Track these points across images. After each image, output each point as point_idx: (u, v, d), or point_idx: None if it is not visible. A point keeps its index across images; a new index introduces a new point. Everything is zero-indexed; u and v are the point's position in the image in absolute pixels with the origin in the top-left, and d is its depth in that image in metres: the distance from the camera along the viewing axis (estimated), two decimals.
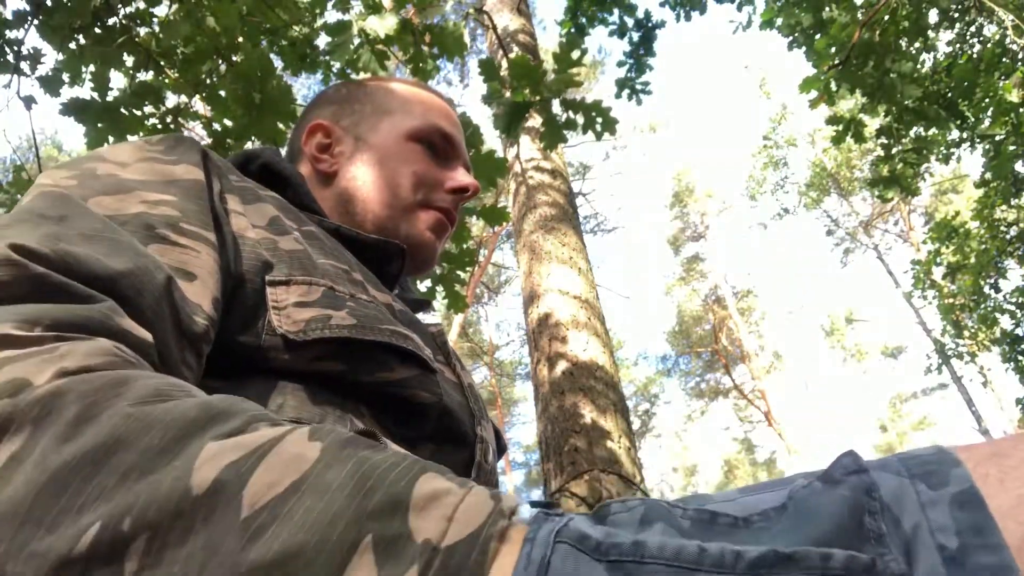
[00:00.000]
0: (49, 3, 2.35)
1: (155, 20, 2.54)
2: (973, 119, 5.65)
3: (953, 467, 0.28)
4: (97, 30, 2.48)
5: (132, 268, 0.43)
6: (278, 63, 2.69)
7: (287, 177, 0.74)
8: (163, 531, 0.27)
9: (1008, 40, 5.22)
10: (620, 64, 5.25)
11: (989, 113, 5.60)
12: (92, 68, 2.42)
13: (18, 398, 0.32)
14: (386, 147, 0.78)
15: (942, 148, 6.05)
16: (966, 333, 9.85)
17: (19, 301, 0.37)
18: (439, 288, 2.77)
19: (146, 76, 2.55)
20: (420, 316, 0.73)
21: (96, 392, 0.32)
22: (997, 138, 5.84)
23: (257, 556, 0.26)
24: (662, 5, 5.64)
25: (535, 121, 3.41)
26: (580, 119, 2.51)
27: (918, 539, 0.26)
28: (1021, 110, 5.44)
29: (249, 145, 2.60)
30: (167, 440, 0.30)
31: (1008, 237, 7.88)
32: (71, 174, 0.52)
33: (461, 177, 0.80)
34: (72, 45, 2.47)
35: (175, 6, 2.49)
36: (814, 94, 4.42)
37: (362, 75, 2.62)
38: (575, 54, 2.38)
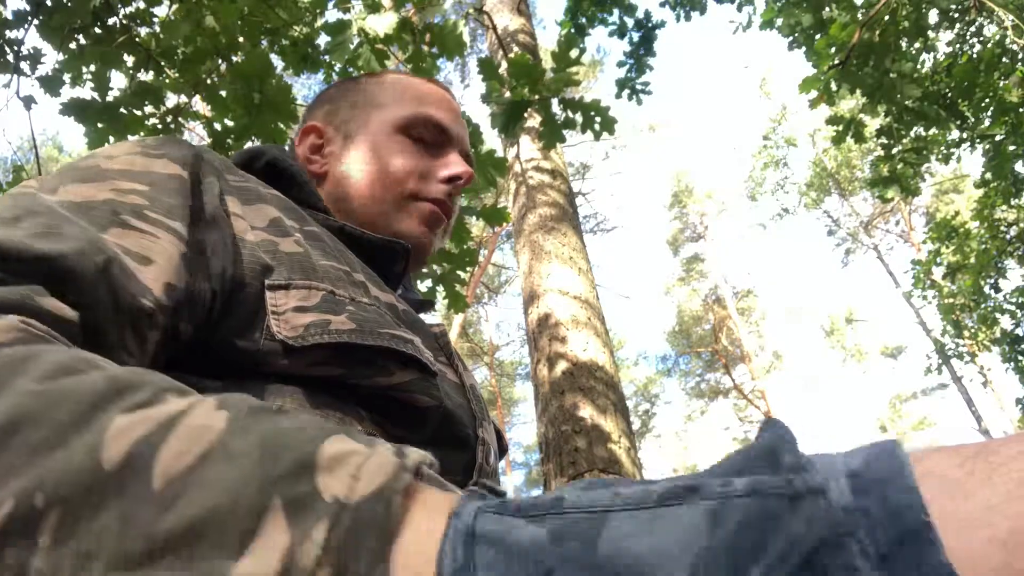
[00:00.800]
0: (49, 3, 2.36)
1: (155, 20, 2.54)
2: (973, 119, 5.65)
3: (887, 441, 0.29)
4: (97, 30, 2.48)
5: (64, 250, 0.42)
6: (278, 63, 2.70)
7: (292, 175, 0.74)
8: (75, 505, 0.28)
9: (1008, 40, 5.22)
10: (620, 64, 5.25)
11: (989, 113, 5.60)
12: (92, 68, 2.42)
13: None
14: (374, 141, 0.77)
15: (942, 148, 6.05)
16: (966, 333, 9.85)
17: None
18: (439, 288, 2.77)
19: (146, 76, 2.55)
20: (423, 316, 0.73)
21: (0, 369, 0.32)
22: (997, 138, 5.84)
23: (171, 524, 0.27)
24: (662, 5, 5.64)
25: (535, 121, 3.41)
26: (579, 118, 2.51)
27: (831, 472, 0.27)
28: (1021, 110, 5.44)
29: (248, 145, 2.60)
30: (76, 414, 0.31)
31: (1008, 237, 7.88)
32: (60, 168, 0.53)
33: (453, 165, 0.77)
34: (72, 45, 2.47)
35: (175, 6, 2.49)
36: (814, 94, 4.42)
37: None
38: (573, 53, 2.38)
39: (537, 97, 2.47)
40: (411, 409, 0.58)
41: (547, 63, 2.55)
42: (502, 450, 0.76)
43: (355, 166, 0.77)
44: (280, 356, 0.52)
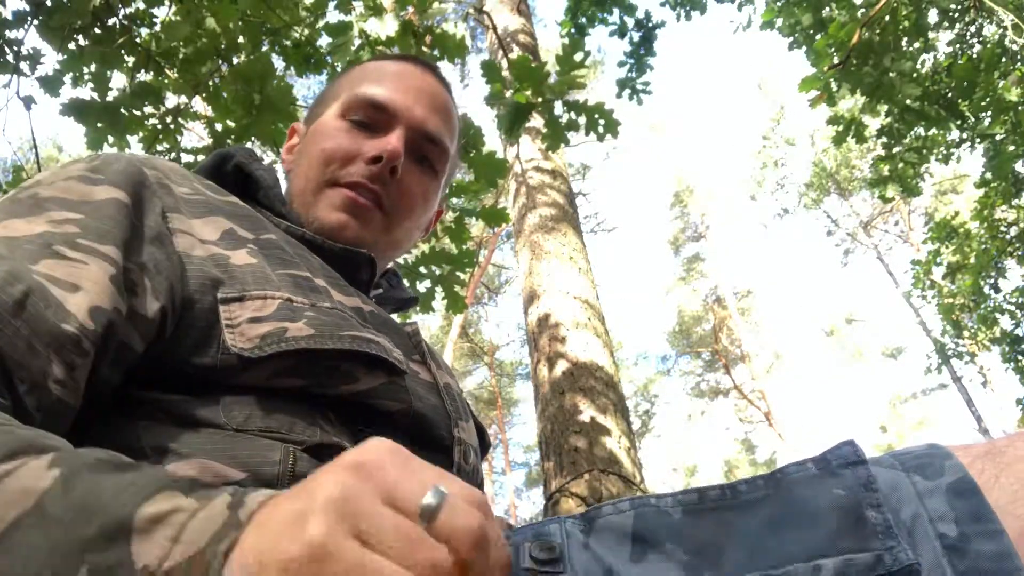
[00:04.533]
0: (49, 3, 2.35)
1: (155, 21, 2.54)
2: (973, 119, 5.64)
3: (946, 459, 0.28)
4: (97, 30, 2.48)
5: None
6: (280, 64, 2.69)
7: (256, 179, 0.72)
8: None
9: (1008, 40, 5.22)
10: (620, 64, 5.25)
11: (989, 113, 5.59)
12: (92, 68, 2.42)
13: None
14: (314, 131, 0.74)
15: (942, 148, 6.05)
16: (966, 333, 9.85)
17: None
18: (439, 289, 2.77)
19: (146, 76, 2.55)
20: (412, 313, 0.72)
21: None
22: (997, 138, 5.84)
23: None
24: (662, 5, 5.64)
25: (535, 121, 3.41)
26: (582, 121, 2.51)
27: (917, 529, 0.26)
28: (1021, 109, 5.44)
29: (249, 145, 2.60)
30: None
31: (1008, 237, 7.88)
32: (2, 200, 0.52)
33: (382, 144, 0.69)
34: (72, 45, 2.47)
35: (175, 7, 2.49)
36: (814, 94, 4.42)
37: None
38: (578, 56, 2.38)
39: (541, 100, 2.47)
40: (379, 414, 0.57)
41: (550, 64, 2.55)
42: (484, 447, 0.74)
43: (298, 160, 0.75)
44: (238, 370, 0.51)
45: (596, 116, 2.48)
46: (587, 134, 2.55)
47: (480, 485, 0.68)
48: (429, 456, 0.60)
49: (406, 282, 2.37)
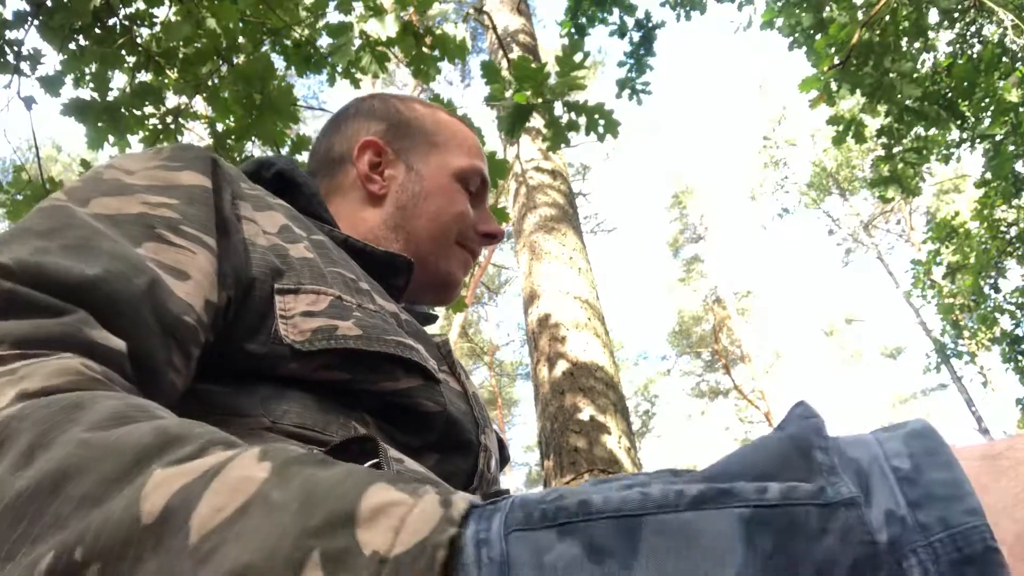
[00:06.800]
0: (49, 3, 2.36)
1: (156, 21, 2.54)
2: (973, 119, 5.65)
3: (913, 423, 0.29)
4: (97, 30, 2.48)
5: (106, 275, 0.43)
6: (280, 64, 2.70)
7: (300, 185, 0.74)
8: (114, 559, 0.28)
9: (1008, 40, 5.22)
10: (620, 64, 5.25)
11: (989, 113, 5.60)
12: (92, 68, 2.42)
13: None
14: (437, 183, 0.80)
15: (942, 148, 6.05)
16: (966, 333, 9.85)
17: None
18: None
19: (146, 76, 2.55)
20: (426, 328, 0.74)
21: (51, 417, 0.33)
22: (997, 138, 5.84)
23: None
24: (662, 5, 5.64)
25: (535, 121, 3.41)
26: (582, 120, 2.51)
27: (873, 468, 0.27)
28: (1021, 110, 5.44)
29: (249, 146, 2.60)
30: (120, 467, 0.31)
31: (1008, 237, 7.88)
32: (80, 180, 0.53)
33: (492, 223, 0.84)
34: (72, 45, 2.47)
35: (175, 7, 2.49)
36: (814, 94, 4.42)
37: (365, 76, 2.62)
38: (578, 56, 2.38)
39: (541, 100, 2.47)
40: (416, 414, 0.59)
41: (550, 65, 2.55)
42: (504, 459, 0.76)
43: (419, 201, 0.79)
44: (288, 360, 0.52)
45: (596, 116, 2.48)
46: (587, 134, 2.55)
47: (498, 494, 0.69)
48: (458, 460, 0.62)
49: None
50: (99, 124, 2.43)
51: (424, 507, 0.29)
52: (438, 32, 2.59)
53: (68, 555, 0.28)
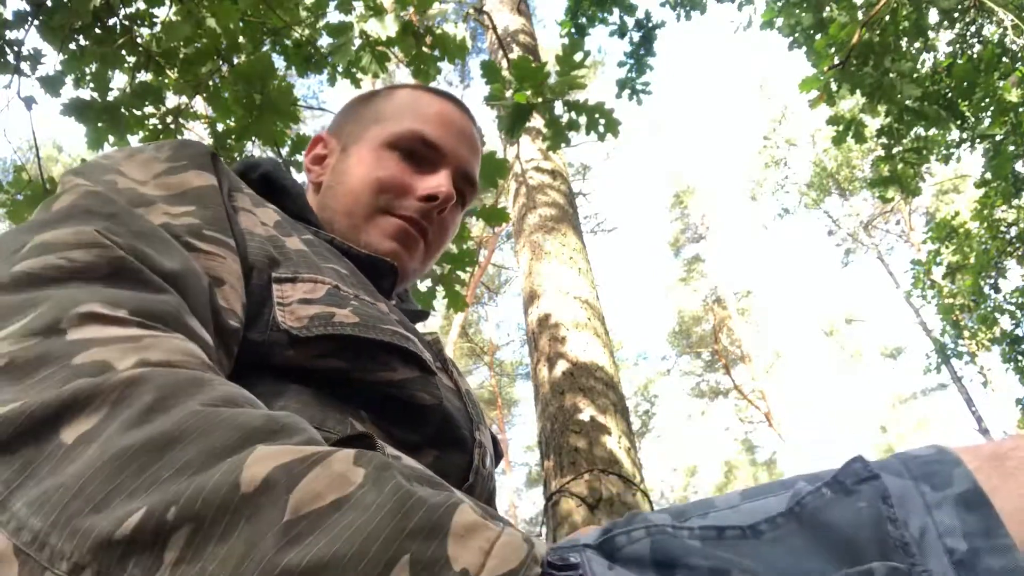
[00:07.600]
0: (49, 3, 2.35)
1: (156, 21, 2.54)
2: (973, 119, 5.65)
3: (955, 467, 0.28)
4: (97, 30, 2.48)
5: (183, 270, 0.45)
6: (280, 63, 2.70)
7: (285, 188, 0.75)
8: (207, 524, 0.28)
9: (1008, 40, 5.22)
10: (620, 64, 5.25)
11: (989, 113, 5.59)
12: (92, 68, 2.42)
13: (100, 379, 0.33)
14: (360, 155, 0.76)
15: (942, 148, 6.05)
16: (966, 333, 9.85)
17: (98, 281, 0.39)
18: (439, 288, 2.77)
19: (147, 76, 2.55)
20: (416, 326, 0.74)
21: (174, 386, 0.34)
22: (997, 138, 5.84)
23: (291, 561, 0.27)
24: (662, 5, 5.64)
25: (535, 121, 3.41)
26: (583, 120, 2.51)
27: (926, 543, 0.27)
28: (1021, 110, 5.44)
29: (249, 146, 2.60)
30: (227, 443, 0.31)
31: (1008, 237, 7.88)
32: (93, 183, 0.52)
33: (432, 185, 0.74)
34: (72, 45, 2.47)
35: (175, 7, 2.49)
36: (814, 94, 4.41)
37: (366, 76, 2.62)
38: (578, 56, 2.38)
39: (541, 100, 2.47)
40: (412, 408, 0.59)
41: (550, 65, 2.55)
42: (497, 455, 0.76)
43: (340, 177, 0.77)
44: (285, 347, 0.53)
45: (596, 116, 2.48)
46: (587, 134, 2.55)
47: (493, 491, 0.69)
48: (454, 456, 0.62)
49: None
50: (99, 124, 2.43)
51: (510, 539, 0.30)
52: (438, 32, 2.59)
53: (160, 514, 0.28)
